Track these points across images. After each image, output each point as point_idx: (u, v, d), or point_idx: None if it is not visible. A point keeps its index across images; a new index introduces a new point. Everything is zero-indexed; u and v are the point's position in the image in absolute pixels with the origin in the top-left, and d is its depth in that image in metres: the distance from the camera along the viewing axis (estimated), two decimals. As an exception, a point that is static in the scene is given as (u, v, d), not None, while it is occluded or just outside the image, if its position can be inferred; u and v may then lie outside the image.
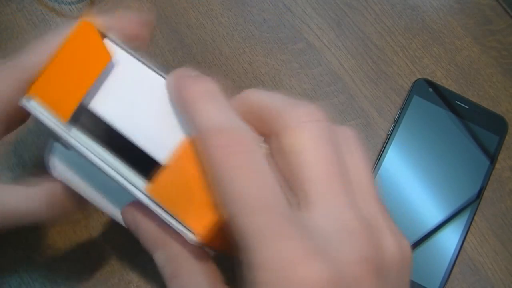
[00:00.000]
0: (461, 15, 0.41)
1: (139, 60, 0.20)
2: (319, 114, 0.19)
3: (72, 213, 0.19)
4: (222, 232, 0.18)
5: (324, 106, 0.19)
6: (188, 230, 0.18)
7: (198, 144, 0.18)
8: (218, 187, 0.17)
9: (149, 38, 0.23)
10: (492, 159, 0.35)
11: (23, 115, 0.22)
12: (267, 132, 0.19)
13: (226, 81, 0.37)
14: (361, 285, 0.16)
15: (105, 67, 0.20)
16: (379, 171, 0.35)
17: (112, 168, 0.19)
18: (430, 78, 0.38)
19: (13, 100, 0.20)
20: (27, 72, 0.20)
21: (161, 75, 0.20)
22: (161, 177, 0.19)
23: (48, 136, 0.22)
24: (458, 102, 0.37)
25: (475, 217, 0.34)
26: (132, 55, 0.21)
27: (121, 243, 0.31)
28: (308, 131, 0.18)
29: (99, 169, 0.20)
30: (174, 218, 0.18)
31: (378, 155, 0.35)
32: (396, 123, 0.36)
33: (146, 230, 0.20)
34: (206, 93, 0.19)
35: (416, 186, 0.35)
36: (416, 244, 0.33)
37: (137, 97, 0.20)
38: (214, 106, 0.18)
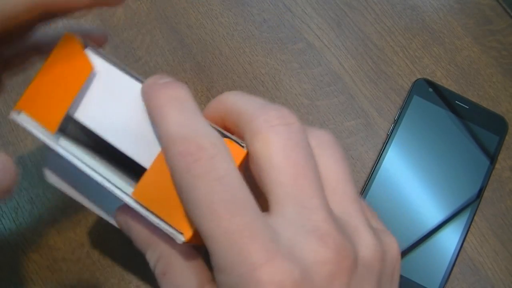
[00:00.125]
0: (461, 15, 0.41)
1: (119, 68, 0.21)
2: (289, 117, 0.19)
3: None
4: None
5: (293, 111, 0.19)
6: (175, 230, 0.18)
7: (163, 152, 0.18)
8: (182, 194, 0.18)
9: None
10: (492, 159, 0.35)
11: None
12: (243, 136, 0.19)
13: (226, 81, 0.37)
14: (331, 285, 0.16)
15: (87, 78, 0.20)
16: (379, 171, 0.35)
17: (100, 175, 0.20)
18: (430, 78, 0.38)
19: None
20: None
21: (141, 82, 0.21)
22: (144, 181, 0.19)
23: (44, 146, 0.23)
24: (458, 102, 0.37)
25: (475, 217, 0.34)
26: (113, 64, 0.21)
27: (121, 243, 0.31)
28: (276, 134, 0.18)
29: (88, 176, 0.20)
30: (161, 219, 0.19)
31: (378, 155, 0.35)
32: (396, 123, 0.36)
33: (137, 231, 0.21)
34: (172, 99, 0.19)
35: (416, 186, 0.35)
36: (416, 244, 0.33)
37: (119, 104, 0.20)
38: (179, 113, 0.18)
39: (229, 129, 0.20)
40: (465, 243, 0.33)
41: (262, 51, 0.38)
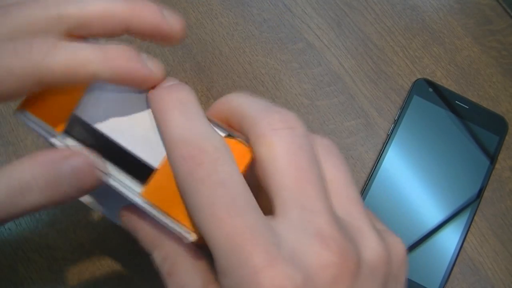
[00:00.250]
0: (461, 15, 0.41)
1: None
2: (293, 121, 0.19)
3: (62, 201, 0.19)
4: None
5: (298, 116, 0.19)
6: (183, 230, 0.18)
7: (167, 155, 0.19)
8: (185, 197, 0.18)
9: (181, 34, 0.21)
10: (492, 159, 0.35)
11: None
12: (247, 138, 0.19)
13: (226, 81, 0.37)
14: None
15: None
16: (379, 171, 0.35)
17: (107, 174, 0.20)
18: (430, 78, 0.38)
19: None
20: None
21: None
22: (153, 180, 0.19)
23: (46, 144, 0.22)
24: (458, 102, 0.37)
25: (475, 217, 0.34)
26: None
27: (121, 242, 0.31)
28: (280, 138, 0.18)
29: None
30: (169, 219, 0.19)
31: (378, 155, 0.35)
32: (396, 123, 0.36)
33: (143, 231, 0.21)
34: (175, 102, 0.19)
35: (416, 186, 0.35)
36: (416, 244, 0.33)
37: (126, 104, 0.20)
38: (182, 116, 0.18)
39: (233, 130, 0.20)
40: (465, 243, 0.33)
41: (262, 51, 0.38)
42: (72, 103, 0.20)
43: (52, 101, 0.20)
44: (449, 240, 0.33)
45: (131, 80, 0.19)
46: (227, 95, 0.21)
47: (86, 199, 0.24)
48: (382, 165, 0.35)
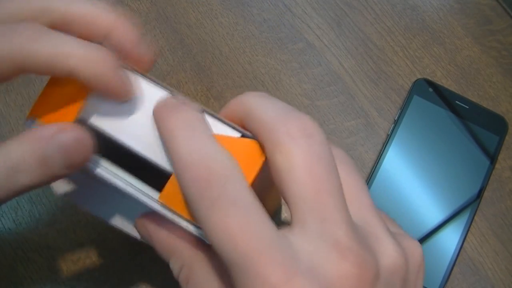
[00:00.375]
0: (461, 15, 0.41)
1: (137, 74, 0.20)
2: (311, 128, 0.18)
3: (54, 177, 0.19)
4: None
5: (316, 121, 0.19)
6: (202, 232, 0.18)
7: (176, 177, 0.18)
8: (198, 218, 0.17)
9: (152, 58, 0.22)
10: (492, 159, 0.35)
11: None
12: (263, 144, 0.19)
13: (226, 81, 0.37)
14: None
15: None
16: (379, 171, 0.35)
17: (124, 182, 0.19)
18: (430, 78, 0.38)
19: None
20: None
21: (158, 85, 0.20)
22: (170, 184, 0.19)
23: None
24: (458, 102, 0.37)
25: (475, 217, 0.34)
26: (130, 70, 0.21)
27: (121, 242, 0.31)
28: (298, 147, 0.18)
29: (108, 184, 0.20)
30: (188, 222, 0.19)
31: (378, 155, 0.35)
32: (396, 123, 0.36)
33: (160, 240, 0.21)
34: (182, 123, 0.18)
35: (416, 186, 0.35)
36: (416, 244, 0.33)
37: (139, 110, 0.20)
38: (189, 137, 0.18)
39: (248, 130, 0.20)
40: (465, 243, 0.33)
41: (262, 51, 0.38)
42: (76, 108, 0.20)
43: (58, 108, 0.20)
44: (449, 240, 0.33)
45: (102, 88, 0.19)
46: (243, 95, 0.20)
47: (98, 212, 0.24)
48: (382, 165, 0.35)
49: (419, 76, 0.38)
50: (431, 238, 0.33)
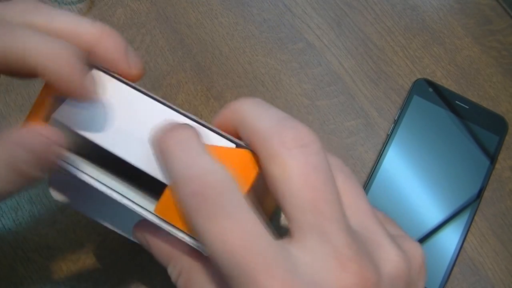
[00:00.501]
0: (461, 15, 0.41)
1: (130, 86, 0.21)
2: (306, 138, 0.18)
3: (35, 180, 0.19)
4: None
5: (312, 130, 0.19)
6: (199, 243, 0.18)
7: (174, 194, 0.18)
8: (195, 232, 0.17)
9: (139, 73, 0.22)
10: (492, 159, 0.35)
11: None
12: (257, 154, 0.19)
13: (226, 81, 0.37)
14: None
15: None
16: (379, 171, 0.35)
17: (118, 193, 0.20)
18: (430, 78, 0.38)
19: None
20: None
21: (153, 98, 0.21)
22: (165, 196, 0.19)
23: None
24: (458, 102, 0.37)
25: (475, 217, 0.34)
26: (123, 82, 0.21)
27: (121, 242, 0.31)
28: (293, 158, 0.17)
29: (105, 196, 0.20)
30: (185, 234, 0.19)
31: (378, 155, 0.35)
32: (396, 123, 0.36)
33: (158, 247, 0.21)
34: (177, 143, 0.19)
35: (416, 186, 0.34)
36: (416, 244, 0.33)
37: (133, 122, 0.20)
38: (184, 154, 0.18)
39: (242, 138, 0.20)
40: (465, 243, 0.33)
41: (262, 51, 0.38)
42: (49, 108, 0.20)
43: (35, 108, 0.20)
44: (449, 240, 0.33)
45: (61, 86, 0.19)
46: (236, 102, 0.20)
47: (97, 218, 0.24)
48: (382, 165, 0.35)
49: (419, 76, 0.38)
50: (431, 238, 0.33)
